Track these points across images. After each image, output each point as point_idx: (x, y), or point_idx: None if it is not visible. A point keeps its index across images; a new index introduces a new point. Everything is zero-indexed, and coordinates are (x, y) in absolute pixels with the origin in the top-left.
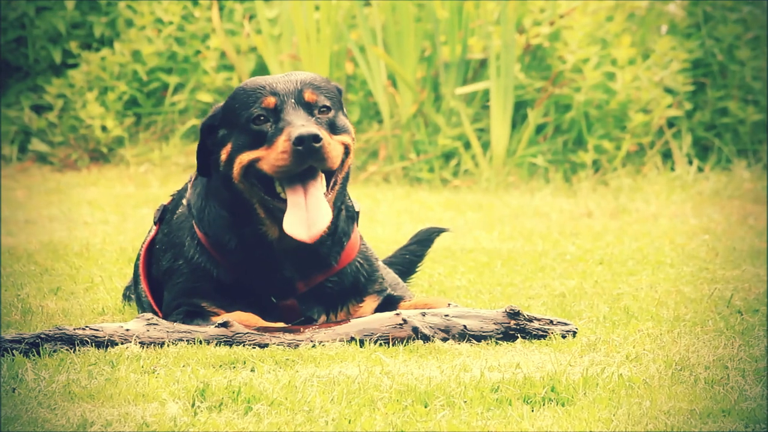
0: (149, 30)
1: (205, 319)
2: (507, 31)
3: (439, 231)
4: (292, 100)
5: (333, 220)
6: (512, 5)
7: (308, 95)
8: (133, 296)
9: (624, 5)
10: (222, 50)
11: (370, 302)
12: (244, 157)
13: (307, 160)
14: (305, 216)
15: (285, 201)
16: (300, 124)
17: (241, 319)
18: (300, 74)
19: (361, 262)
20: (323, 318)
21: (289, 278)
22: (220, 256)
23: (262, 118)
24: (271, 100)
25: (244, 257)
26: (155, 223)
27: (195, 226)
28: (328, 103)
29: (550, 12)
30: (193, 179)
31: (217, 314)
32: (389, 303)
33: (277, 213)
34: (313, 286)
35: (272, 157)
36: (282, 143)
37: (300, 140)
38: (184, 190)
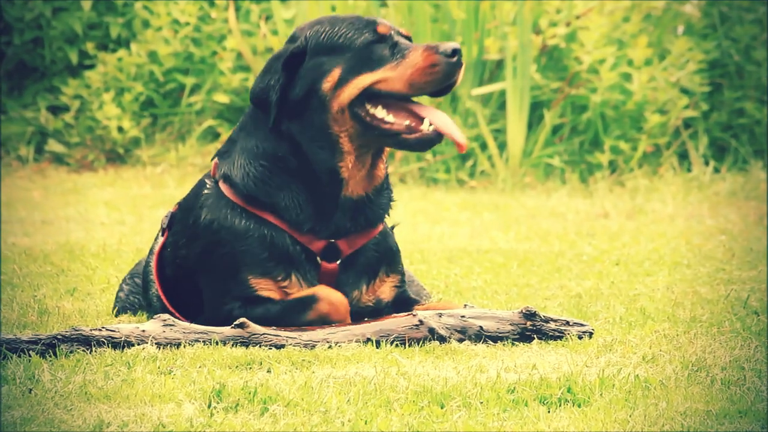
0: (166, 31)
1: (263, 304)
2: (523, 32)
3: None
4: (393, 32)
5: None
6: (528, 6)
7: (404, 30)
8: (122, 303)
9: (640, 6)
10: (238, 51)
11: (392, 282)
12: (365, 79)
13: (455, 73)
14: (452, 123)
15: (394, 123)
16: (421, 45)
17: (330, 299)
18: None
19: (389, 230)
20: (356, 292)
21: (340, 230)
22: (270, 212)
23: (380, 39)
24: (385, 28)
25: (298, 210)
26: (164, 231)
27: (233, 196)
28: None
29: (567, 13)
30: (216, 164)
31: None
32: (405, 303)
33: (372, 143)
34: (356, 251)
35: (408, 72)
36: (426, 57)
37: (455, 51)
38: (193, 191)
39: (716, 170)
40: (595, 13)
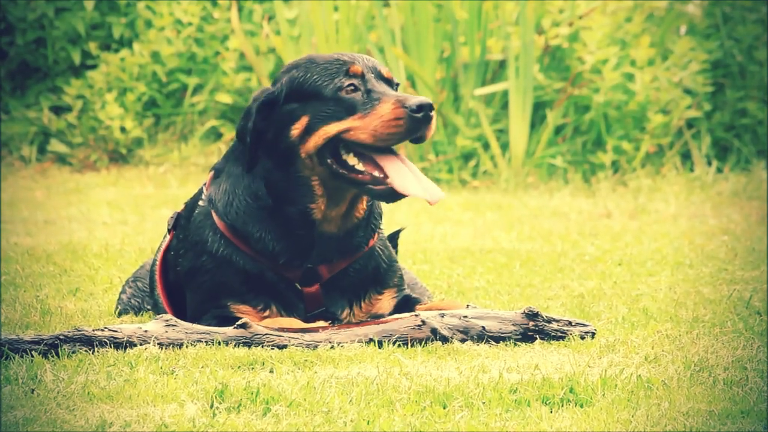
0: (168, 31)
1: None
2: (526, 32)
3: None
4: (372, 74)
5: (368, 205)
6: (531, 6)
7: (385, 72)
8: (124, 306)
9: (643, 6)
10: (241, 51)
11: (389, 296)
12: (331, 128)
13: (421, 128)
14: (416, 180)
15: (362, 173)
16: (395, 94)
17: (281, 325)
18: (357, 54)
19: (381, 248)
20: (347, 312)
21: (316, 262)
22: (245, 245)
23: (351, 87)
24: (358, 68)
25: (273, 243)
26: (169, 231)
27: (217, 221)
28: (397, 81)
29: (569, 13)
30: (211, 179)
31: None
32: (407, 304)
33: (347, 187)
34: (336, 273)
35: (374, 123)
36: (392, 110)
37: (420, 107)
38: (198, 194)
39: (719, 170)
40: (598, 13)
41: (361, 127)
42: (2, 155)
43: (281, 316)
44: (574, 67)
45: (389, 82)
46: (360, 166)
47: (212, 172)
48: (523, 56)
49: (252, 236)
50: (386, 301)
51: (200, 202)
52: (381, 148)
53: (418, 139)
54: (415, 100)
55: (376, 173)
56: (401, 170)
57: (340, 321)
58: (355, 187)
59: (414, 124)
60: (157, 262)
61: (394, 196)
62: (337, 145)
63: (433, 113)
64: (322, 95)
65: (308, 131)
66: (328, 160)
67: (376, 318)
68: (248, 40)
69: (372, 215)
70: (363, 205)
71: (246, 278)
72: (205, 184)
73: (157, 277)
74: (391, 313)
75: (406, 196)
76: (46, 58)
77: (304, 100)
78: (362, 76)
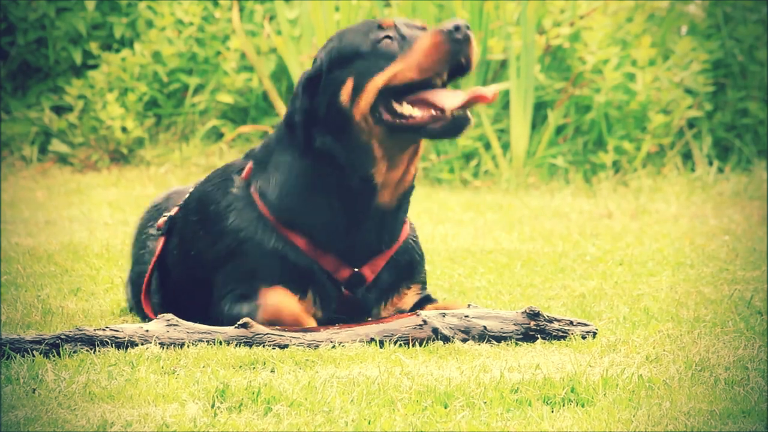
0: (169, 31)
1: (249, 303)
2: (527, 32)
3: None
4: (403, 24)
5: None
6: (532, 6)
7: (419, 22)
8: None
9: (644, 6)
10: (242, 51)
11: (415, 291)
12: (378, 80)
13: (463, 49)
14: (463, 93)
15: (419, 116)
16: (430, 30)
17: (278, 300)
18: None
19: (414, 239)
20: (380, 309)
21: (365, 248)
22: (302, 237)
23: (387, 38)
24: (389, 21)
25: (333, 234)
26: (162, 235)
27: (267, 213)
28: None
29: (570, 13)
30: (251, 169)
31: (263, 295)
32: (422, 303)
33: (404, 145)
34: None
35: (416, 57)
36: (431, 38)
37: (457, 27)
38: (211, 190)
39: (720, 170)
40: (599, 13)
41: (405, 67)
42: (3, 155)
43: (315, 307)
44: (575, 67)
45: (423, 29)
46: (415, 111)
47: (251, 162)
48: (524, 56)
49: (309, 223)
50: (411, 296)
51: (233, 189)
52: (430, 82)
53: (463, 68)
54: (449, 22)
55: (433, 112)
56: (449, 95)
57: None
58: (416, 132)
59: (455, 45)
60: (149, 272)
61: (455, 128)
62: (388, 98)
63: (471, 32)
64: (361, 53)
65: (357, 90)
66: (384, 116)
67: (400, 313)
68: (249, 40)
69: (413, 189)
70: (415, 168)
71: (291, 269)
72: (231, 170)
73: (143, 288)
74: (410, 309)
75: (468, 123)
76: (47, 58)
77: (346, 64)
78: (395, 27)
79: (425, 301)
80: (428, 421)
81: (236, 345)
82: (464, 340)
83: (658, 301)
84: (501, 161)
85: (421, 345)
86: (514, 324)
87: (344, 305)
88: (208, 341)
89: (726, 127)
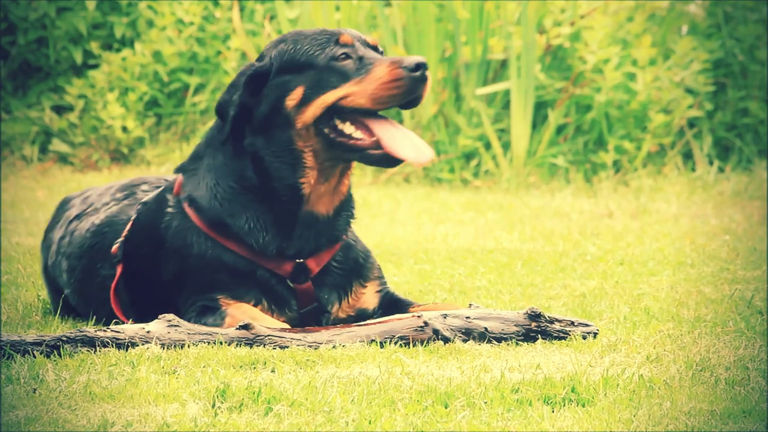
0: (170, 30)
1: (214, 314)
2: (528, 32)
3: None
4: (359, 42)
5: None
6: (533, 6)
7: (371, 39)
8: None
9: (644, 6)
10: (243, 51)
11: (372, 290)
12: (328, 97)
13: (419, 88)
14: (409, 141)
15: (360, 139)
16: (387, 57)
17: (248, 315)
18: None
19: (354, 240)
20: (336, 306)
21: (303, 250)
22: (233, 241)
23: (344, 55)
24: (348, 38)
25: (263, 234)
26: (118, 263)
27: (198, 222)
28: (382, 49)
29: (571, 12)
30: (181, 182)
31: (226, 307)
32: (396, 305)
33: (337, 160)
34: (321, 269)
35: (372, 87)
36: (389, 72)
37: (418, 66)
38: (151, 213)
39: (720, 170)
40: (600, 12)
41: (358, 92)
42: (4, 155)
43: (272, 312)
44: (575, 67)
45: (375, 49)
46: (358, 134)
47: (180, 175)
48: (524, 56)
49: (242, 229)
50: (370, 294)
51: (168, 208)
52: (375, 112)
53: (412, 102)
54: (411, 59)
55: (374, 138)
56: (393, 133)
57: (330, 315)
58: (353, 154)
59: (412, 84)
60: (111, 300)
61: (390, 160)
62: (332, 114)
63: (429, 73)
64: (315, 65)
65: (305, 101)
66: (325, 130)
67: (362, 312)
68: (250, 40)
69: (351, 198)
70: (348, 180)
71: (237, 275)
72: (165, 189)
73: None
74: (377, 310)
75: (403, 160)
76: (47, 58)
77: (298, 71)
78: (352, 45)
79: (391, 299)
80: (429, 421)
81: (237, 345)
82: (465, 341)
83: (659, 300)
84: (501, 161)
85: (422, 345)
86: (516, 325)
87: (301, 302)
88: (208, 342)
89: (726, 127)
